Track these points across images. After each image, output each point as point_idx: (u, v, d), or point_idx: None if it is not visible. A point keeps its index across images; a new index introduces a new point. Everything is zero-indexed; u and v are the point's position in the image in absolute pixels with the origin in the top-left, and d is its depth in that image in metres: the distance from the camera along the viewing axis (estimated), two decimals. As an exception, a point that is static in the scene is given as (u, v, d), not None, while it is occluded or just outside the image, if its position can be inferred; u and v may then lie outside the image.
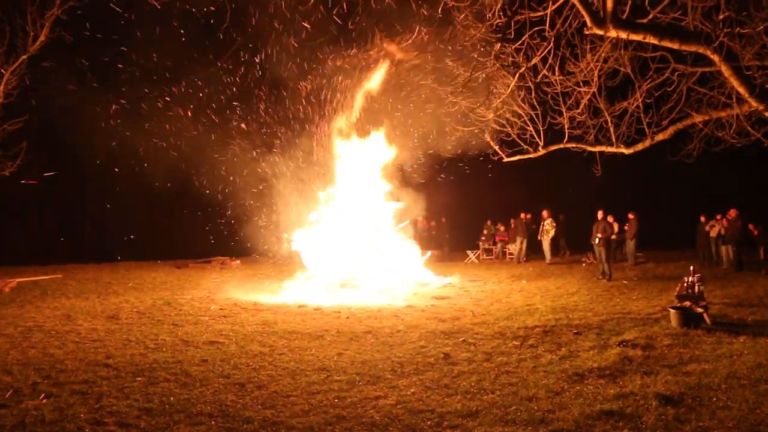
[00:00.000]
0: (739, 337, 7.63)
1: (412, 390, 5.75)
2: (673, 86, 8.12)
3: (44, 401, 5.46)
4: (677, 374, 6.07)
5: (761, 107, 5.76)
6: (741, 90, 5.79)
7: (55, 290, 13.79)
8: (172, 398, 5.55)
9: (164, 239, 23.20)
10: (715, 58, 5.67)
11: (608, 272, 14.69)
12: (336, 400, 5.47)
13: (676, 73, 8.02)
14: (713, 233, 17.07)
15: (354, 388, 5.84)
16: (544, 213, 19.61)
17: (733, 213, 16.29)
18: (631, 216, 17.80)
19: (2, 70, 12.76)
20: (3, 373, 6.49)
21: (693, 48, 5.97)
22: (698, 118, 7.85)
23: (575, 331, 8.35)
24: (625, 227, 18.10)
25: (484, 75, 8.70)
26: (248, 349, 7.63)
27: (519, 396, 5.49)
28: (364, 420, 4.94)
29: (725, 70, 5.77)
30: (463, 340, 7.97)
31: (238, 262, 20.71)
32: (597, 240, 15.05)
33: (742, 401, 5.21)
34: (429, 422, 4.87)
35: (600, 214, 15.66)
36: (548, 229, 19.36)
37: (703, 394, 5.44)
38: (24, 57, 12.78)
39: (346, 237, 14.92)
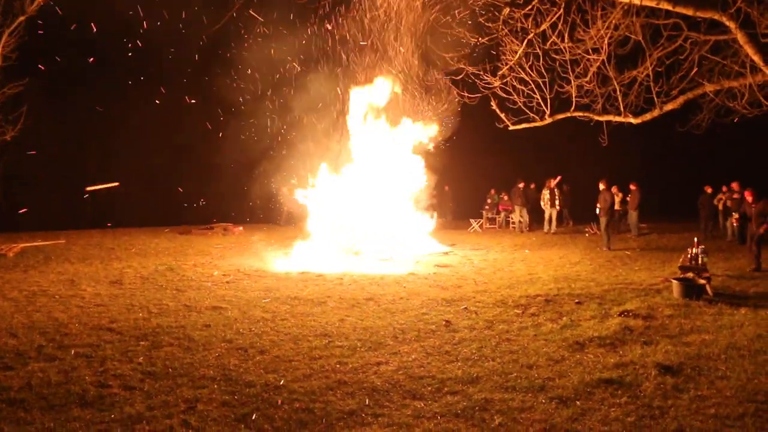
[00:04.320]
0: (740, 309, 7.65)
1: (413, 356, 5.80)
2: (685, 54, 7.93)
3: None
4: (677, 344, 6.10)
5: (775, 76, 5.61)
6: (756, 58, 5.65)
7: (59, 255, 13.87)
8: (175, 362, 5.61)
9: (167, 204, 23.21)
10: (731, 24, 5.51)
11: (605, 242, 14.84)
12: (337, 366, 5.52)
13: (689, 41, 7.82)
14: (722, 206, 17.02)
15: (355, 354, 5.89)
16: (552, 182, 19.50)
17: (736, 185, 16.20)
18: (632, 187, 17.71)
19: None
20: (8, 336, 6.56)
21: (708, 14, 5.80)
22: (710, 88, 7.69)
23: (577, 300, 8.38)
24: (628, 198, 18.04)
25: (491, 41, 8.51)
26: (251, 314, 7.68)
27: (519, 363, 5.53)
28: (365, 385, 4.99)
29: (740, 38, 5.61)
30: (465, 307, 8.01)
31: (240, 228, 20.74)
32: (597, 210, 15.33)
33: (740, 371, 5.24)
34: (429, 388, 4.92)
35: (602, 185, 15.71)
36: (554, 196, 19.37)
37: (702, 364, 5.47)
38: (22, 18, 12.52)
39: (351, 204, 14.90)
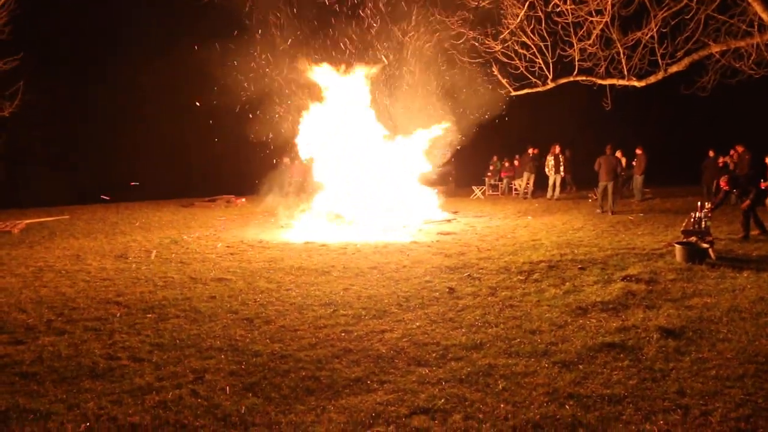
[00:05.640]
0: (742, 272, 7.68)
1: (417, 323, 5.86)
2: (690, 14, 7.75)
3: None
4: (679, 308, 6.15)
5: (783, 35, 5.49)
6: (764, 16, 5.51)
7: (63, 231, 13.93)
8: (182, 334, 5.68)
9: (170, 178, 23.20)
10: (738, -19, 5.35)
11: (609, 206, 14.91)
12: (343, 334, 5.59)
13: (695, 0, 7.63)
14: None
15: (360, 322, 5.95)
16: (557, 148, 19.40)
17: (740, 148, 16.09)
18: (638, 151, 17.60)
19: None
20: (17, 311, 6.64)
21: (715, -30, 5.63)
22: (716, 48, 7.53)
23: (580, 266, 8.41)
24: (633, 162, 17.94)
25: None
26: (255, 285, 7.75)
27: (523, 329, 5.58)
28: (371, 353, 5.06)
29: (748, -5, 5.45)
30: (468, 274, 8.06)
31: (243, 200, 20.76)
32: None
33: (742, 333, 5.28)
34: (434, 354, 4.99)
35: (608, 150, 15.73)
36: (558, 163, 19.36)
37: (704, 327, 5.52)
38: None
39: (353, 173, 14.86)
